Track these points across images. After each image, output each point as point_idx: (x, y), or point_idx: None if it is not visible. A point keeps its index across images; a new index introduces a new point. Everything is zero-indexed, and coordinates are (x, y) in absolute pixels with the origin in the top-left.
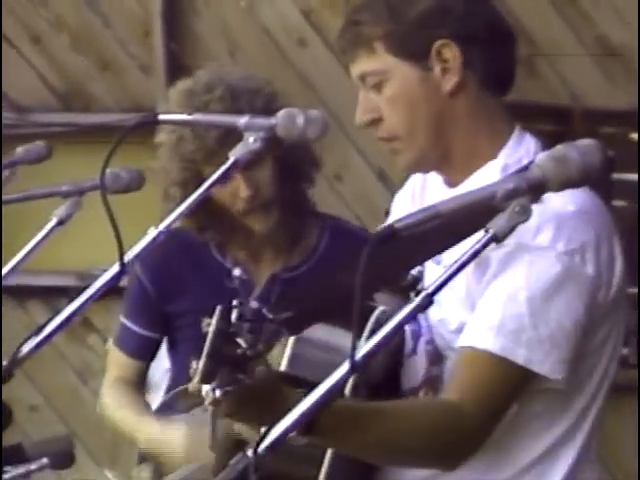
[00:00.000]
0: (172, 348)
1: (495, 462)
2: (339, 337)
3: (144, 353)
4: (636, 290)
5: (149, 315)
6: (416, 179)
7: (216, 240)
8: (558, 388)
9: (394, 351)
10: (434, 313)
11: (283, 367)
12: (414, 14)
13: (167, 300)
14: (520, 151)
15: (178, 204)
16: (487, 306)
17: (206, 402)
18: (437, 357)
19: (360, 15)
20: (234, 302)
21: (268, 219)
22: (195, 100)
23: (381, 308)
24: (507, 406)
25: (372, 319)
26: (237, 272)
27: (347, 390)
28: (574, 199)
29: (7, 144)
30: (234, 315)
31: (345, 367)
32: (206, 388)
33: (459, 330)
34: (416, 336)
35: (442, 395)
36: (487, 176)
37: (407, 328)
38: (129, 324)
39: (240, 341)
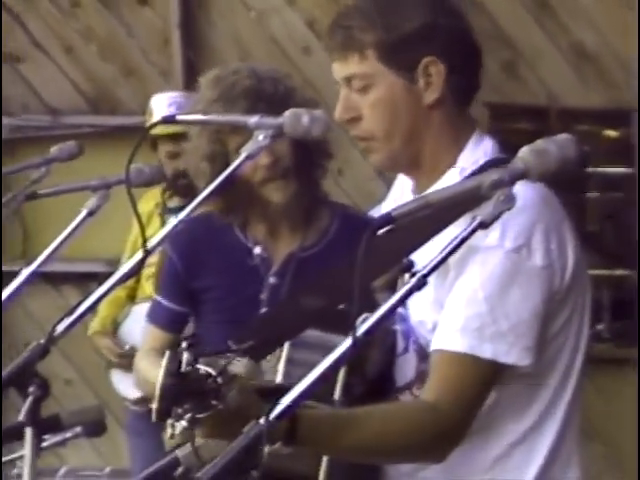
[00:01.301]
0: (197, 319)
1: (483, 443)
2: (331, 338)
3: (174, 326)
4: (599, 272)
5: (179, 291)
6: (396, 188)
7: (238, 221)
8: (529, 372)
9: (388, 350)
10: (413, 315)
11: (280, 370)
12: (408, 29)
13: (194, 277)
14: (477, 153)
15: (208, 179)
16: (451, 310)
17: (166, 436)
18: (424, 354)
19: (353, 20)
20: (183, 344)
21: (286, 190)
22: (223, 81)
23: (365, 315)
24: (482, 398)
25: (358, 322)
26: (257, 250)
27: (337, 394)
28: (520, 196)
29: (42, 144)
30: (185, 356)
31: (347, 342)
32: (167, 423)
33: (435, 330)
34: (407, 336)
35: (420, 397)
36: (448, 182)
37: (398, 328)
38: (161, 300)
39: (209, 370)
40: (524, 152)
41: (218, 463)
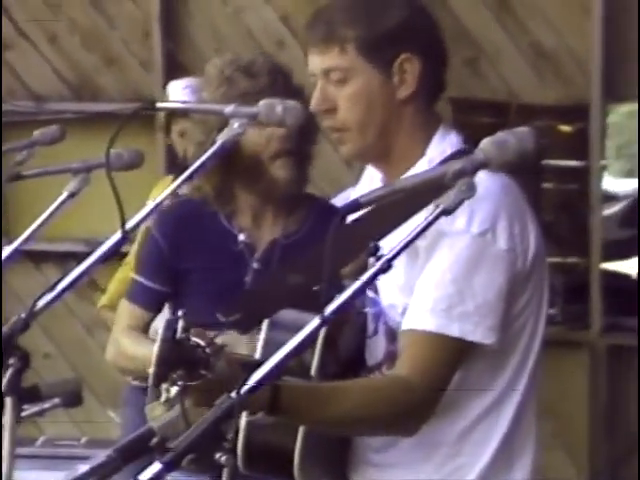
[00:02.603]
0: (179, 300)
1: (450, 417)
2: (307, 318)
3: (154, 306)
4: (553, 259)
5: (161, 271)
6: (365, 180)
7: (225, 209)
8: (493, 350)
9: (358, 332)
10: (384, 299)
11: (259, 350)
12: (388, 26)
13: (179, 258)
14: (444, 145)
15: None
16: (420, 292)
17: (162, 399)
18: (393, 336)
19: (335, 15)
20: (179, 312)
21: (291, 169)
22: (240, 60)
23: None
24: (450, 374)
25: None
26: (242, 237)
27: (313, 371)
28: (486, 185)
29: (26, 128)
30: (180, 324)
31: (316, 321)
32: (162, 387)
33: (404, 313)
34: (377, 319)
35: (393, 372)
36: (417, 172)
37: (369, 311)
38: (142, 280)
39: (199, 341)
40: (485, 143)
41: (191, 434)
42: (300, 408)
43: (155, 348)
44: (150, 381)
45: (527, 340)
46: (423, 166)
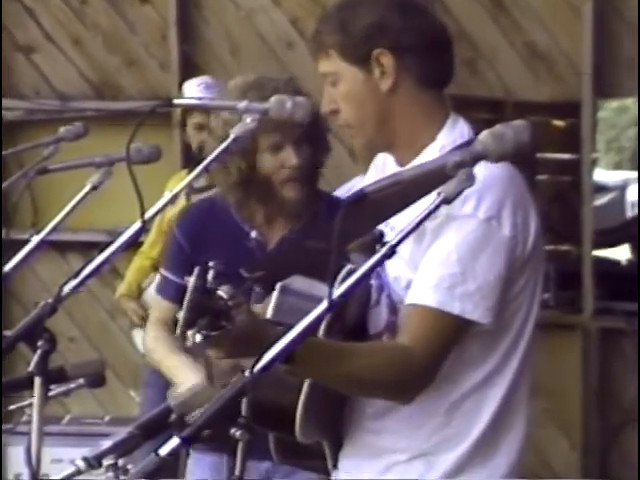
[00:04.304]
0: None
1: (442, 389)
2: (317, 288)
3: (179, 297)
4: (547, 247)
5: (183, 266)
6: (377, 161)
7: (243, 210)
8: (488, 329)
9: (363, 303)
10: (390, 272)
11: (269, 315)
12: (359, 28)
13: (198, 253)
14: (455, 133)
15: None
16: (426, 269)
17: (188, 344)
18: (394, 308)
19: (321, 26)
20: (210, 263)
21: (301, 190)
22: (263, 86)
23: (349, 266)
24: (449, 348)
25: (342, 274)
26: (254, 234)
27: (321, 332)
28: (493, 173)
29: (52, 125)
30: (211, 273)
31: (324, 304)
32: (189, 333)
33: (408, 287)
34: (379, 290)
35: (397, 340)
36: (429, 156)
37: (373, 283)
38: (168, 274)
39: (222, 294)
40: (484, 136)
41: (207, 410)
42: (311, 359)
43: (187, 294)
44: (179, 326)
45: (520, 323)
46: (434, 151)
